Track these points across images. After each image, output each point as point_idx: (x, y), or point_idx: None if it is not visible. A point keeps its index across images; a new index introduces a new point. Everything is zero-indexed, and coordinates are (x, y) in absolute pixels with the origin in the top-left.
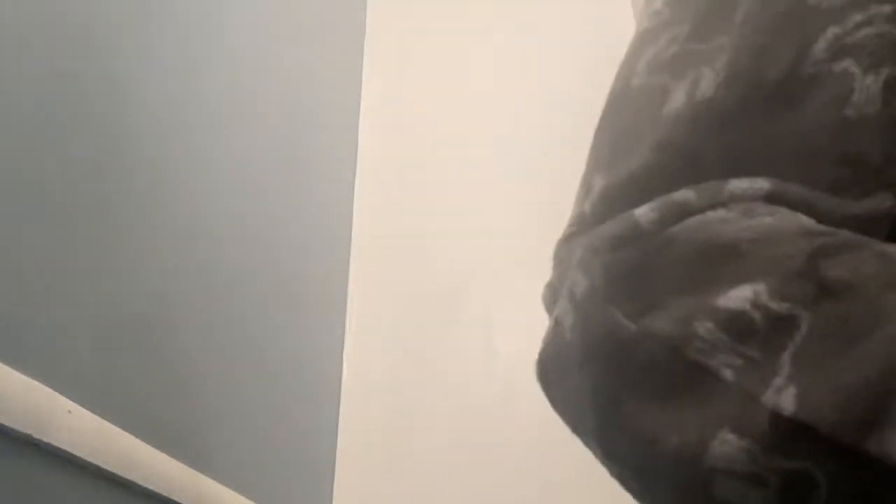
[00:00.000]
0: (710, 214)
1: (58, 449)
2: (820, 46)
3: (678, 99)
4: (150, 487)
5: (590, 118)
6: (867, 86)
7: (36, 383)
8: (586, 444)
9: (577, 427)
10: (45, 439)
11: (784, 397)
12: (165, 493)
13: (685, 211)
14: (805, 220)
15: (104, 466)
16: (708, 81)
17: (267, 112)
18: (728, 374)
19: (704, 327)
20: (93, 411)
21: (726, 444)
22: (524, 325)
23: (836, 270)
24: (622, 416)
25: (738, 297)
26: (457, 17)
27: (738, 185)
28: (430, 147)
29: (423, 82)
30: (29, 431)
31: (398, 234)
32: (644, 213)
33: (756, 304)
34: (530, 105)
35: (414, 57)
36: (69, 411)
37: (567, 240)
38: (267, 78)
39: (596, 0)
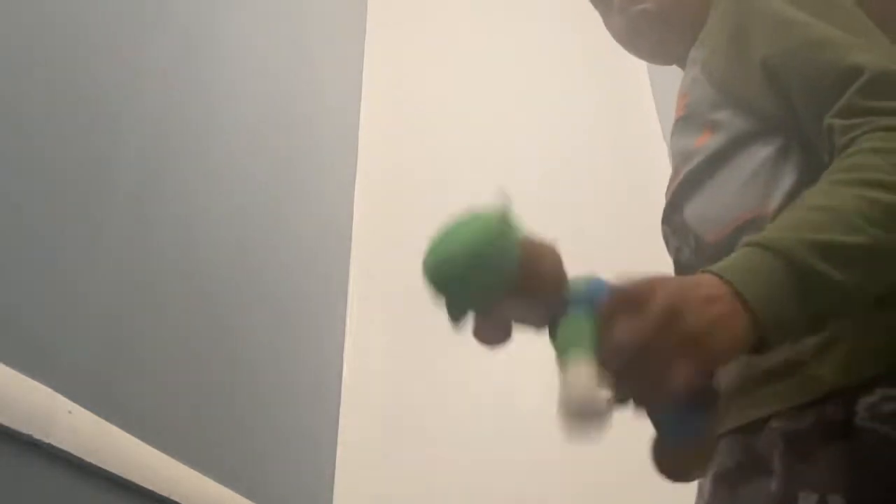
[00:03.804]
0: None
1: (58, 449)
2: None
3: None
4: (150, 487)
5: (590, 117)
6: None
7: (36, 383)
8: None
9: None
10: (46, 440)
11: None
12: (165, 493)
13: None
14: None
15: (104, 466)
16: None
17: (267, 112)
18: None
19: None
20: (93, 411)
21: None
22: None
23: None
24: None
25: None
26: (457, 18)
27: None
28: (430, 147)
29: (422, 82)
30: (30, 432)
31: (398, 234)
32: None
33: None
34: (531, 105)
35: (414, 57)
36: (69, 411)
37: None
38: (267, 78)
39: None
